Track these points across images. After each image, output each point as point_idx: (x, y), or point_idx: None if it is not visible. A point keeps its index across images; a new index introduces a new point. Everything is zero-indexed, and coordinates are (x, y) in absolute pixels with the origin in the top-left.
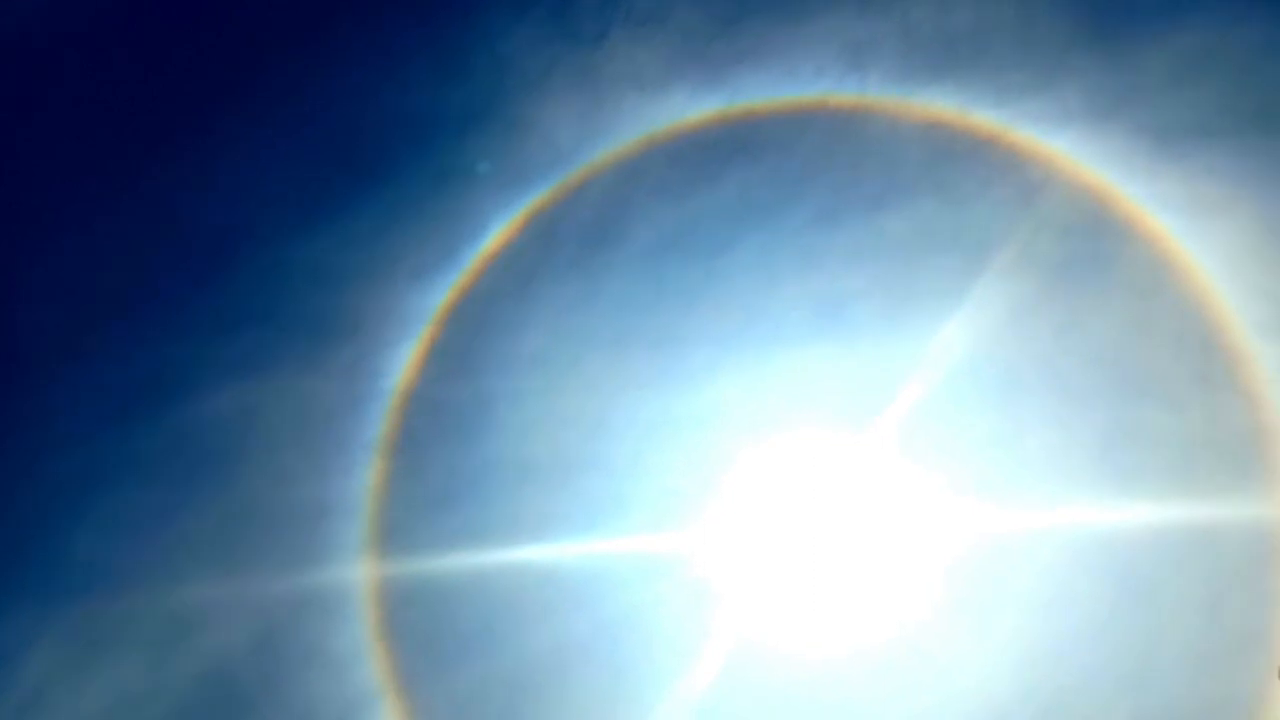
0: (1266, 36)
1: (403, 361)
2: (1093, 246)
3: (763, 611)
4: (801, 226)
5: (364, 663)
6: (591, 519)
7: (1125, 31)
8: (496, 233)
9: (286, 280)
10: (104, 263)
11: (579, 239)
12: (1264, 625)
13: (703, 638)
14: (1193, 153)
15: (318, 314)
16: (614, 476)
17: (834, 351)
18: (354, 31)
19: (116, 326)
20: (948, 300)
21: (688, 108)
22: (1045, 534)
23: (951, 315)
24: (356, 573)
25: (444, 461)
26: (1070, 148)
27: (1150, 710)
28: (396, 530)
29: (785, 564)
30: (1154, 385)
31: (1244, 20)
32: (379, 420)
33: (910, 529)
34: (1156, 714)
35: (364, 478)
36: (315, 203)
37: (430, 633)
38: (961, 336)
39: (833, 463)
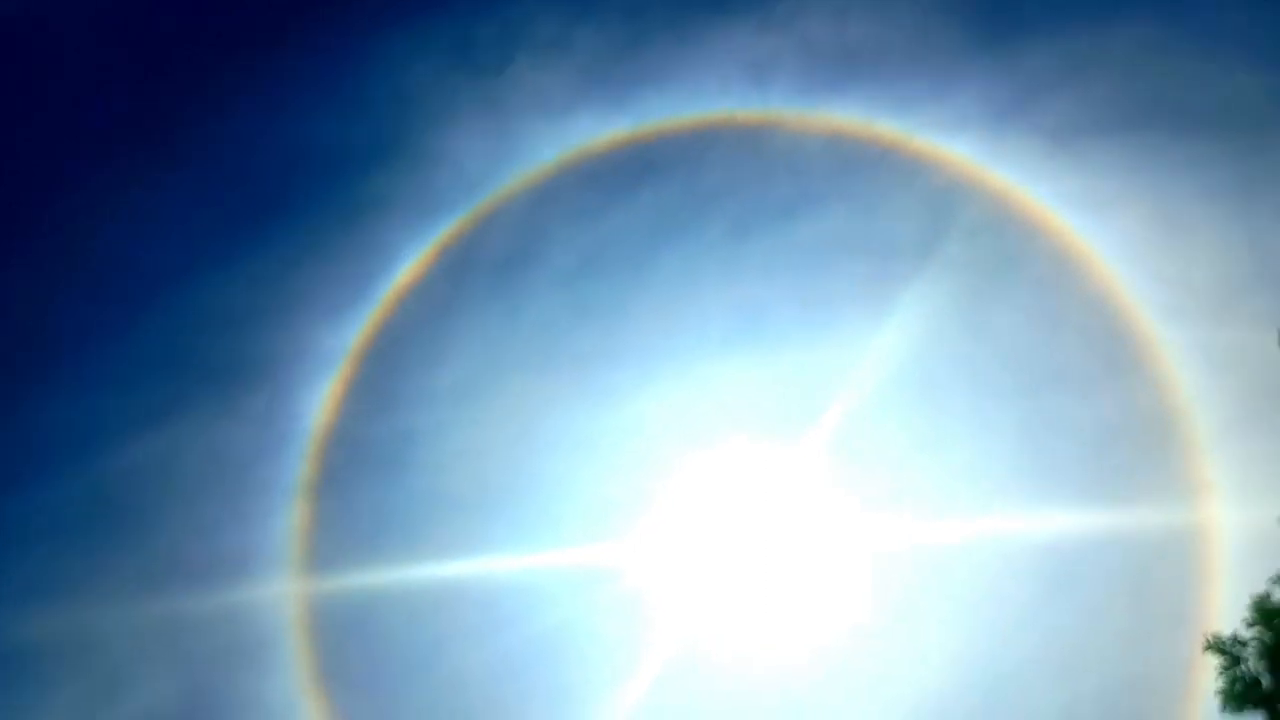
0: (1150, 33)
1: (320, 401)
2: (999, 246)
3: (696, 620)
4: (717, 240)
5: (296, 710)
6: (523, 538)
7: (1015, 36)
8: (409, 265)
9: (196, 326)
10: (9, 315)
11: (494, 266)
12: (1186, 604)
13: (638, 647)
14: (1088, 150)
15: (230, 359)
16: (544, 496)
17: (756, 361)
18: (252, 70)
19: (25, 380)
20: (862, 305)
21: (596, 130)
22: (973, 536)
23: (867, 320)
24: (286, 617)
25: (369, 499)
26: (971, 152)
27: (1083, 690)
28: (324, 572)
29: (717, 573)
30: (1066, 376)
31: (1128, 18)
32: (299, 462)
33: (837, 534)
34: (1089, 694)
35: (285, 522)
36: (221, 245)
37: (363, 656)
38: (880, 343)
39: (758, 470)
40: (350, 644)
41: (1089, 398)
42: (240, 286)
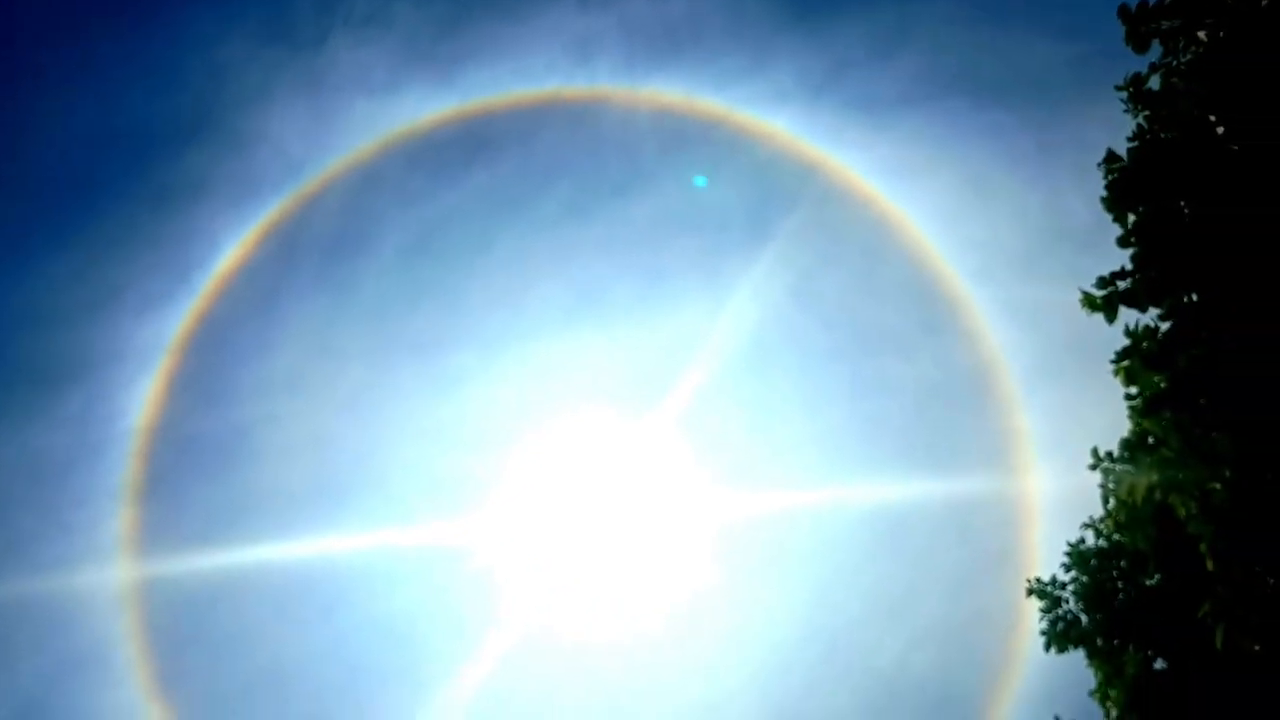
0: (952, 8)
1: (141, 399)
2: (820, 216)
3: (544, 596)
4: (552, 219)
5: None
6: (367, 521)
7: (826, 12)
8: (231, 251)
9: (1, 325)
10: None
11: (322, 251)
12: (1011, 545)
13: (486, 625)
14: (897, 120)
15: (40, 359)
16: (387, 482)
17: (597, 338)
18: (54, 43)
19: None
20: (698, 280)
21: (421, 108)
22: (811, 503)
23: (703, 294)
24: (117, 629)
25: (202, 499)
26: (789, 125)
27: (918, 632)
28: (155, 569)
29: (565, 549)
30: (887, 338)
31: None
32: (122, 465)
33: (686, 507)
34: (925, 635)
35: (112, 528)
36: (22, 238)
37: (200, 647)
38: (716, 316)
39: (603, 447)
40: (188, 641)
41: (910, 358)
42: (46, 281)
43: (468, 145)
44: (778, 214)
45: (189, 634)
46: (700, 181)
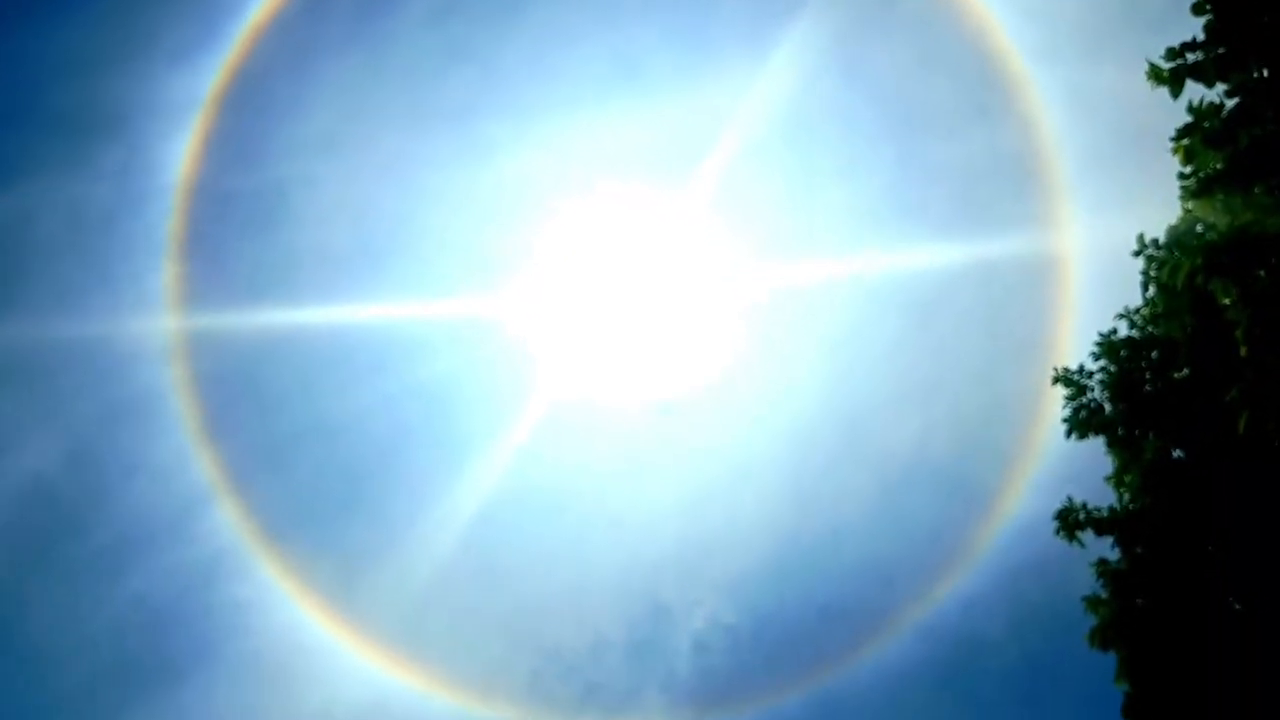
0: None
1: (179, 154)
2: None
3: (577, 365)
4: None
5: (189, 467)
6: (403, 289)
7: None
8: (260, 4)
9: (30, 74)
10: None
11: (354, 7)
12: (1039, 335)
13: (521, 395)
14: None
15: (75, 109)
16: (423, 249)
17: (633, 107)
18: None
19: None
20: (741, 48)
21: None
22: (844, 277)
23: (747, 66)
24: (166, 376)
25: (244, 257)
26: None
27: (938, 417)
28: (201, 331)
29: (598, 320)
30: (937, 119)
31: None
32: (164, 219)
33: (718, 280)
34: (944, 421)
35: (156, 281)
36: None
37: (252, 424)
38: (758, 88)
39: (642, 220)
40: (235, 397)
41: (957, 139)
42: (77, 27)
43: None
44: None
45: (235, 387)
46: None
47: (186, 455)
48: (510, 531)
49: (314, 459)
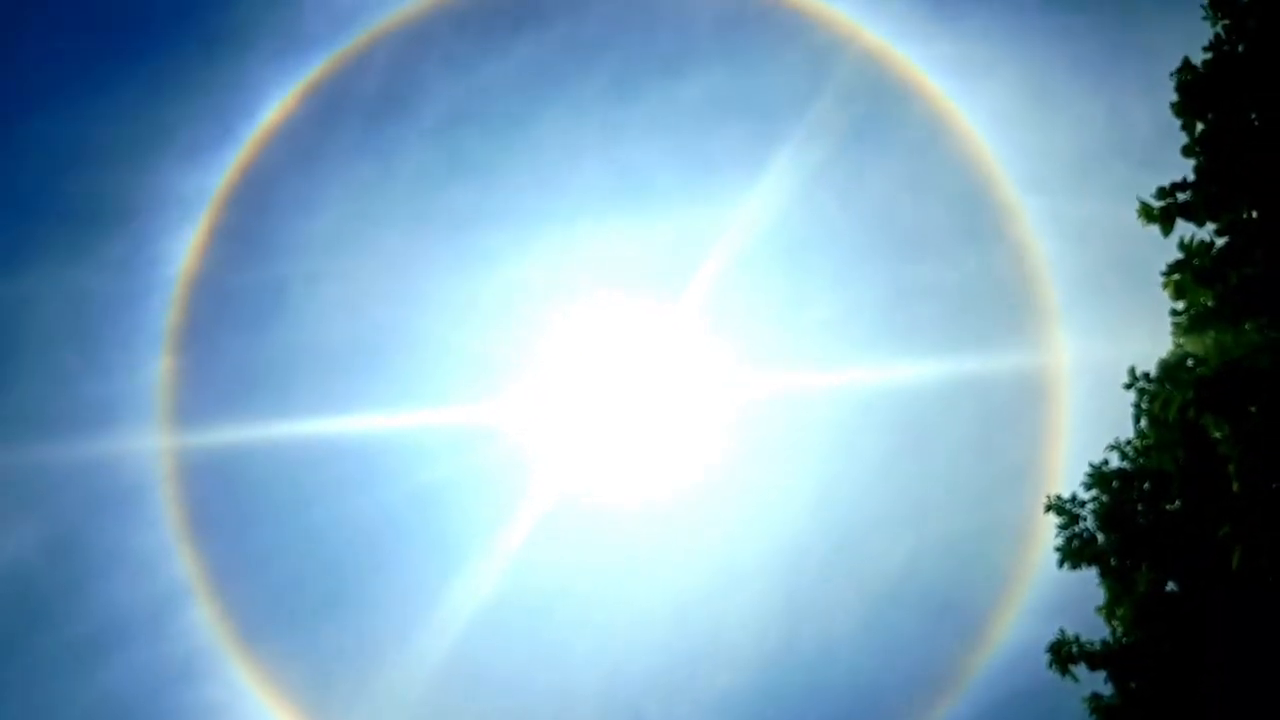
0: None
1: (184, 247)
2: (875, 108)
3: (572, 471)
4: (598, 96)
5: (170, 562)
6: (400, 395)
7: None
8: (275, 106)
9: (45, 162)
10: None
11: (365, 113)
12: (1031, 461)
13: (516, 501)
14: (965, 15)
15: (84, 199)
16: (422, 354)
17: (634, 221)
18: None
19: None
20: (742, 168)
21: None
22: (836, 390)
23: (746, 183)
24: (153, 469)
25: (240, 352)
26: (853, 11)
27: (930, 537)
28: (192, 424)
29: (594, 426)
30: (931, 242)
31: None
32: (163, 312)
33: (712, 390)
34: (936, 541)
35: (150, 373)
36: (75, 76)
37: (237, 523)
38: (756, 204)
39: (638, 331)
40: (223, 499)
41: (951, 263)
42: (93, 120)
43: (517, 12)
44: (829, 103)
45: (222, 486)
46: None
47: (168, 551)
48: (496, 639)
49: (297, 563)
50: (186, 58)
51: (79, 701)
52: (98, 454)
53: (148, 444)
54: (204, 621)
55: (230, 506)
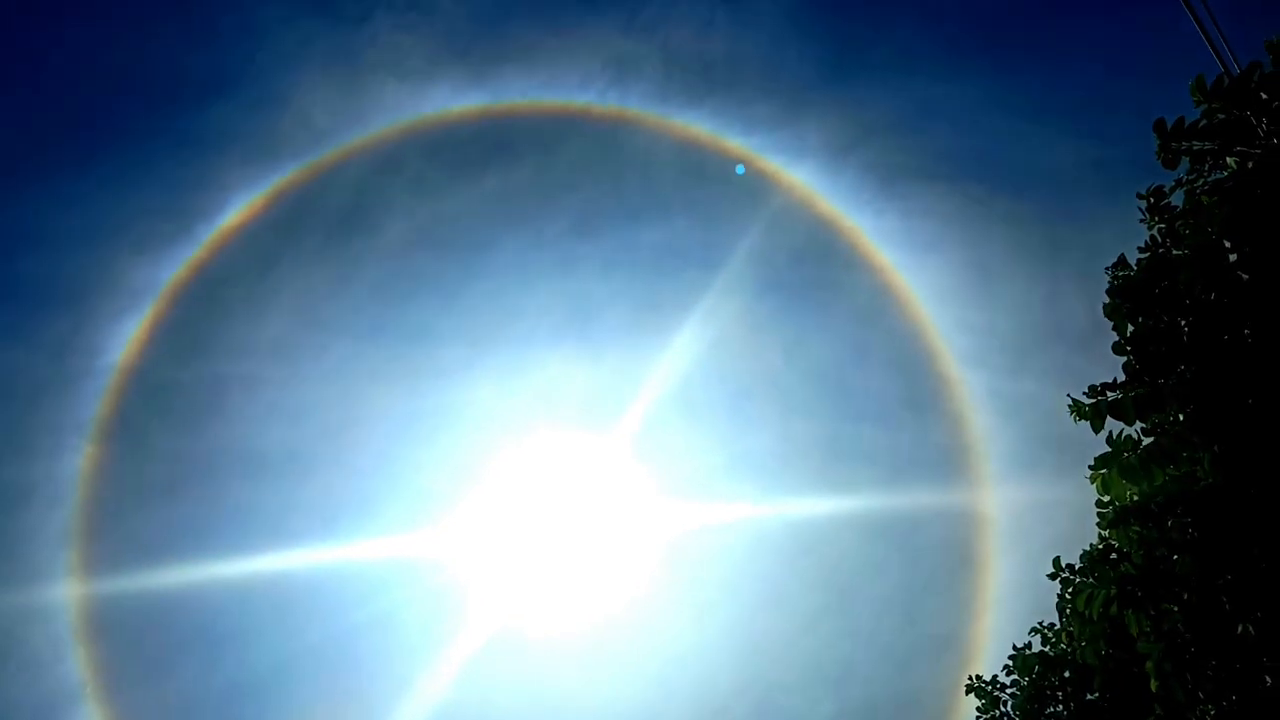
0: (983, 91)
1: (125, 338)
2: (823, 272)
3: (507, 600)
4: (560, 234)
5: (64, 662)
6: (333, 519)
7: (860, 76)
8: (239, 209)
9: None
10: None
11: (329, 224)
12: (956, 630)
13: (447, 637)
14: (914, 193)
15: (26, 280)
16: (359, 473)
17: (582, 354)
18: None
19: None
20: (692, 311)
21: (450, 101)
22: (764, 525)
23: (692, 325)
24: (59, 570)
25: (169, 448)
26: (809, 179)
27: (852, 705)
28: (110, 524)
29: (526, 555)
30: (869, 404)
31: (965, 74)
32: (95, 401)
33: (643, 523)
34: (857, 709)
35: (73, 463)
36: (34, 156)
37: (142, 634)
38: (699, 346)
39: (575, 460)
40: (131, 620)
41: (888, 427)
42: (50, 202)
43: (489, 146)
44: (785, 262)
45: (137, 615)
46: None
47: (63, 649)
48: None
49: (198, 677)
50: (153, 152)
51: None
52: (3, 544)
53: (57, 540)
54: None
55: (136, 618)
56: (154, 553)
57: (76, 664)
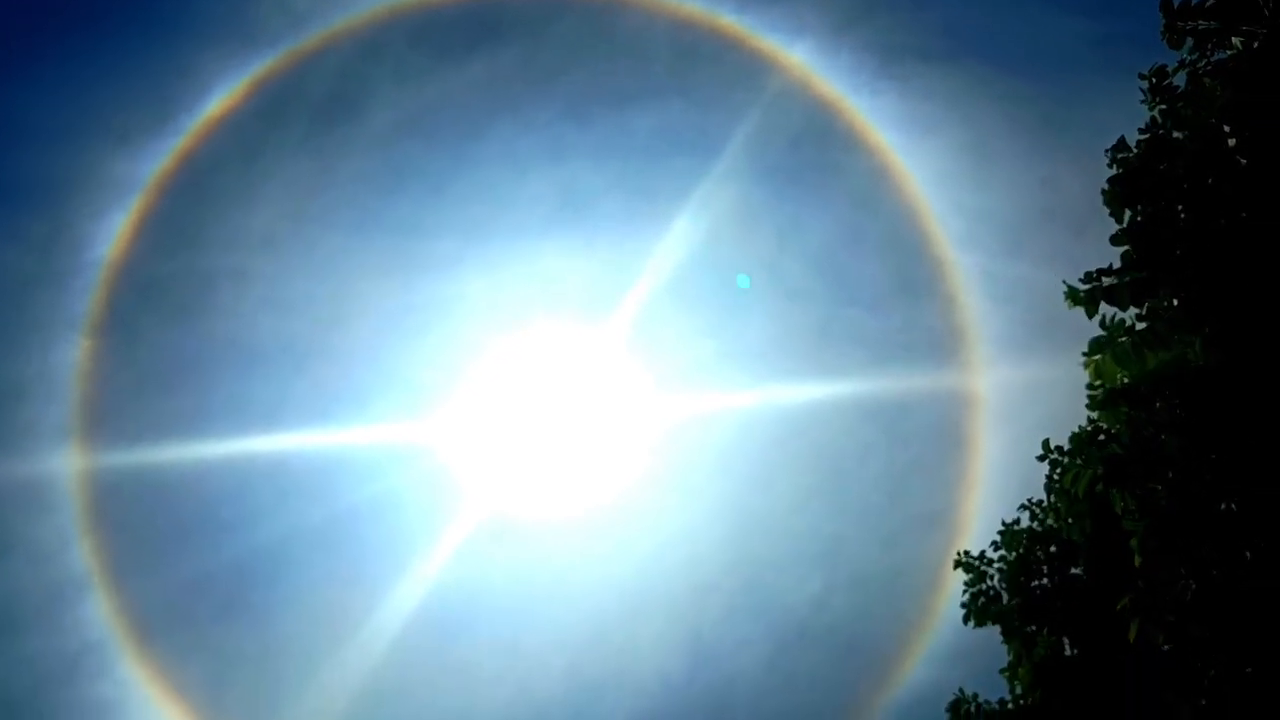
0: None
1: (112, 233)
2: (819, 155)
3: (500, 490)
4: (550, 120)
5: (69, 551)
6: (325, 408)
7: None
8: (220, 98)
9: None
10: None
11: (312, 114)
12: (945, 507)
13: (440, 519)
14: (913, 73)
15: (7, 176)
16: (352, 365)
17: (576, 245)
18: None
19: None
20: (681, 198)
21: None
22: (756, 414)
23: (685, 211)
24: (61, 459)
25: (161, 342)
26: (806, 59)
27: (840, 578)
28: (108, 415)
29: (519, 444)
30: (862, 289)
31: None
32: (85, 296)
33: (635, 412)
34: (845, 582)
35: (67, 358)
36: (11, 48)
37: (146, 521)
38: (692, 232)
39: (568, 351)
40: (131, 494)
41: (879, 311)
42: (28, 96)
43: (476, 29)
44: (777, 146)
45: (131, 481)
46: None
47: (68, 539)
48: (405, 656)
49: (203, 562)
50: (130, 40)
51: None
52: (3, 438)
53: (57, 432)
54: (99, 616)
55: (138, 505)
56: (154, 438)
57: (82, 553)
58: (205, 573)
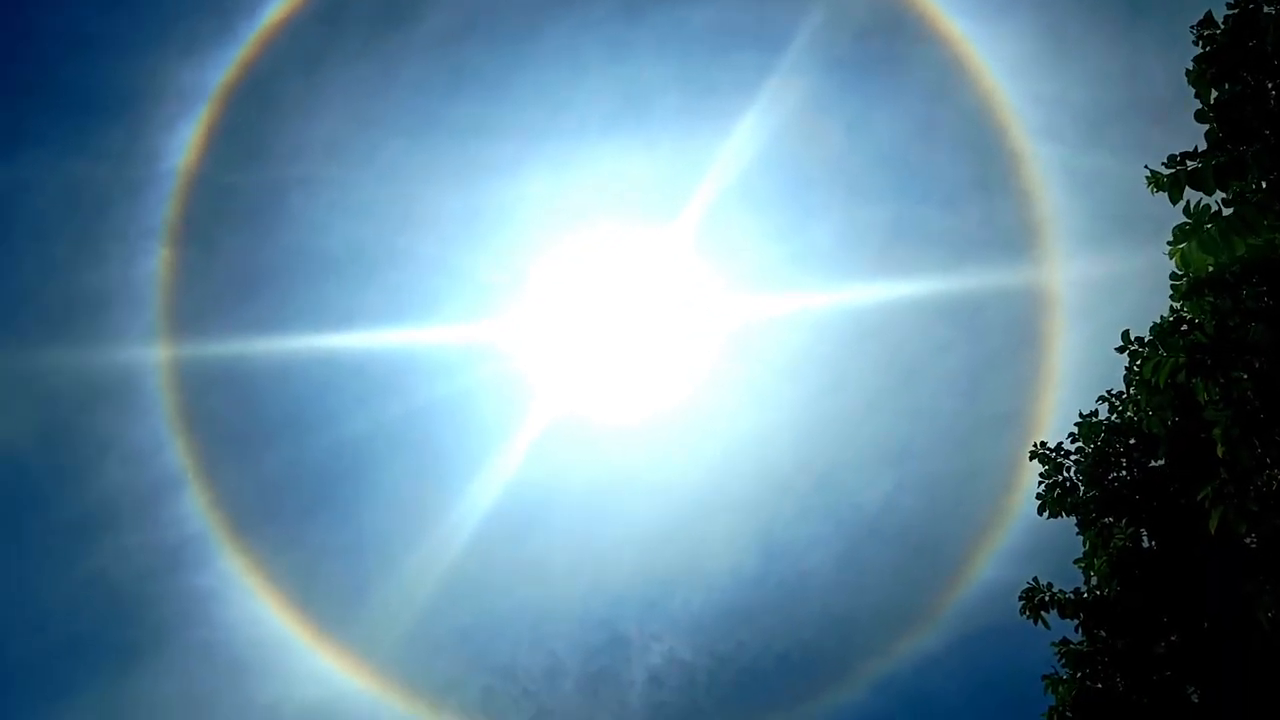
0: None
1: (183, 143)
2: (887, 47)
3: (571, 391)
4: (607, 16)
5: (164, 451)
6: (399, 310)
7: None
8: (278, 5)
9: (42, 50)
10: None
11: (370, 18)
12: (1019, 407)
13: (512, 419)
14: None
15: (82, 89)
16: (421, 268)
17: (637, 145)
18: None
19: None
20: (746, 95)
21: None
22: (827, 315)
23: (750, 109)
24: (151, 361)
25: (238, 249)
26: None
27: (911, 476)
28: (192, 319)
29: (591, 347)
30: (935, 185)
31: None
32: (161, 206)
33: (704, 313)
34: (917, 481)
35: (148, 266)
36: None
37: (234, 420)
38: (758, 130)
39: (634, 251)
40: (219, 395)
41: (953, 209)
42: (92, 7)
43: None
44: (847, 38)
45: (217, 380)
46: None
47: (162, 440)
48: (482, 550)
49: (290, 458)
50: None
51: (67, 583)
52: (93, 345)
53: (144, 338)
54: (196, 511)
55: (226, 404)
56: (239, 337)
57: (175, 453)
58: (293, 468)
